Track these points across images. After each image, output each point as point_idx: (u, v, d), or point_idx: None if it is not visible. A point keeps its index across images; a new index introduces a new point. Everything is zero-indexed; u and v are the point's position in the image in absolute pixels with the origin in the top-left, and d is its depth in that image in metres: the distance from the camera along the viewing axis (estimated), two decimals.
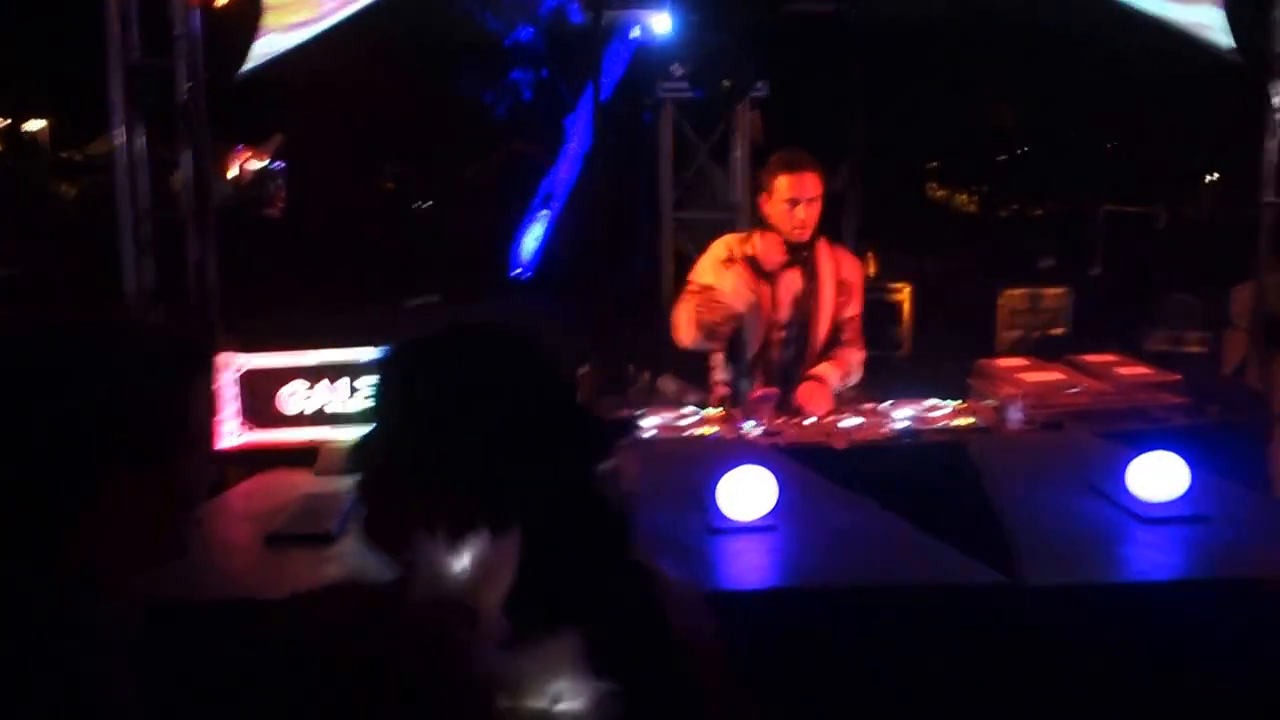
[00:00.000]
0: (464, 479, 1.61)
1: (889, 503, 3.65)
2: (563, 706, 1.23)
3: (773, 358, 5.24)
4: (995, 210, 23.00)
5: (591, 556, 1.62)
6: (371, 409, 1.74)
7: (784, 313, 5.22)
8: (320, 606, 1.41)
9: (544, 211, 15.74)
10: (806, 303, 5.23)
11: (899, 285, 11.44)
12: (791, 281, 5.20)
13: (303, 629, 1.35)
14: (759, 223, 5.24)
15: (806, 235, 5.18)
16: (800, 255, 5.21)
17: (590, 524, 1.65)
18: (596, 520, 1.66)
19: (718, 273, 5.24)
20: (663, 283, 10.02)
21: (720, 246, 5.34)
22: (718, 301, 5.10)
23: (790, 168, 5.13)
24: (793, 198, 5.10)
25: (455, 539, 1.50)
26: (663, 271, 10.03)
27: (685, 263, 10.17)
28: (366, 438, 1.73)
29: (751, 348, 5.23)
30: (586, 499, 1.66)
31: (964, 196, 24.19)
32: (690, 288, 5.31)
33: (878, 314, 10.59)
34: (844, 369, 5.22)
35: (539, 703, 1.23)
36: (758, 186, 5.30)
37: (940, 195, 24.13)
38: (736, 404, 5.14)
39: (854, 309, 5.36)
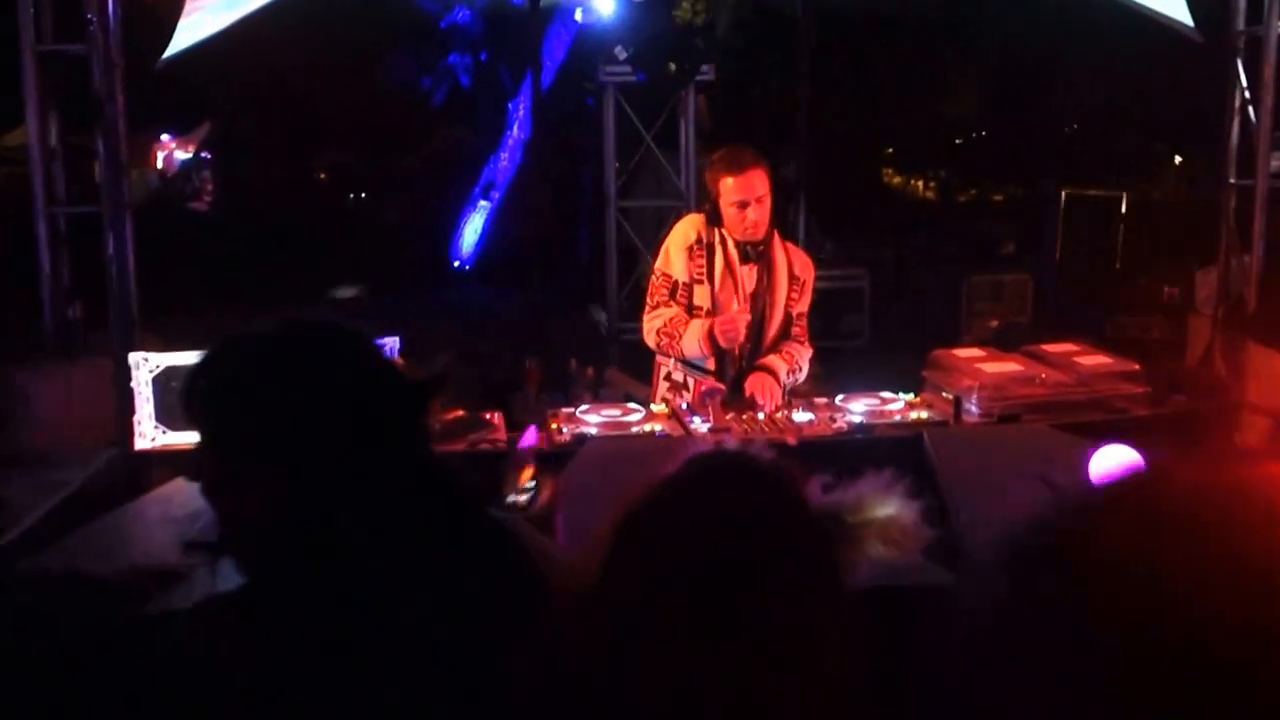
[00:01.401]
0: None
1: None
2: (906, 511, 1.57)
3: (734, 353, 5.21)
4: (954, 196, 23.12)
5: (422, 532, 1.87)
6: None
7: (741, 305, 5.19)
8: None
9: (484, 202, 15.70)
10: (762, 298, 5.21)
11: (858, 272, 11.47)
12: (748, 278, 5.18)
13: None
14: (712, 213, 5.17)
15: (760, 234, 5.13)
16: (756, 252, 5.18)
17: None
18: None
19: (684, 258, 5.17)
20: (608, 273, 10.02)
21: (689, 229, 5.27)
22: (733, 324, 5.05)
23: (733, 168, 5.06)
24: (740, 200, 5.04)
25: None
26: (608, 262, 10.02)
27: (630, 252, 10.20)
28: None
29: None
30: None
31: (921, 182, 24.30)
32: (658, 283, 5.22)
33: (836, 303, 10.62)
34: (791, 363, 5.22)
35: (886, 510, 1.56)
36: (708, 189, 5.23)
37: (897, 182, 24.23)
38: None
39: (804, 304, 5.34)
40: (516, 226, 14.75)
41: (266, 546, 1.83)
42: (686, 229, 5.27)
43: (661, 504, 1.58)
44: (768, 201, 5.09)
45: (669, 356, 5.29)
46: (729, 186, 5.05)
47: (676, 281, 5.17)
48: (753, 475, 1.57)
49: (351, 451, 1.83)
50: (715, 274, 5.14)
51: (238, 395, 1.88)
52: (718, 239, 5.15)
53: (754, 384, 5.09)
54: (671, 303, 5.17)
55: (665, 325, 5.14)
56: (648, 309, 5.25)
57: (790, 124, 11.74)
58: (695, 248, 5.16)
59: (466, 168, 16.00)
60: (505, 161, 15.55)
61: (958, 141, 22.91)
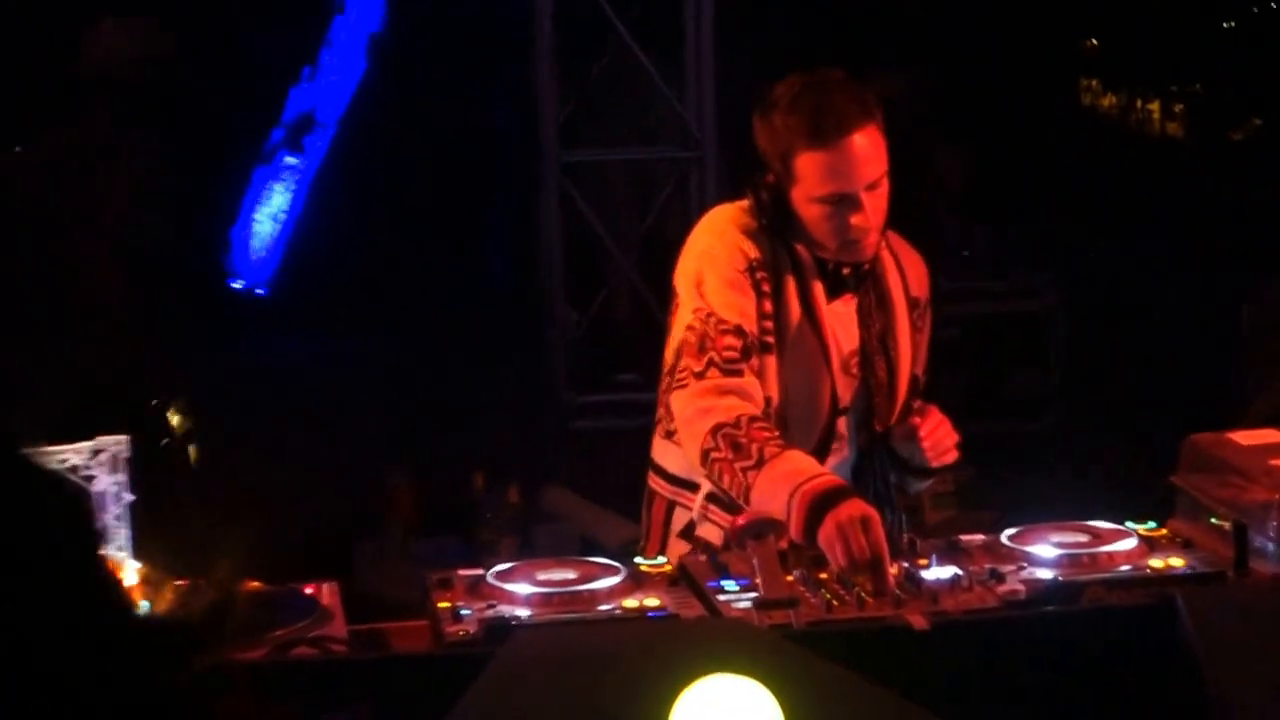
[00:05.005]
0: None
1: None
2: None
3: (828, 458, 5.13)
4: (1219, 133, 23.24)
5: None
6: None
7: (840, 380, 5.12)
8: None
9: (291, 158, 15.73)
10: (878, 353, 5.16)
11: (1037, 284, 11.55)
12: (842, 324, 5.13)
13: None
14: (775, 212, 5.07)
15: (870, 248, 5.11)
16: (858, 275, 5.13)
17: None
18: None
19: (744, 291, 5.02)
20: (548, 294, 10.02)
21: (736, 239, 5.14)
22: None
23: (822, 134, 4.92)
24: (839, 191, 4.94)
25: None
26: (547, 271, 10.01)
27: (586, 248, 10.22)
28: None
29: (805, 441, 5.09)
30: None
31: (1156, 105, 24.47)
32: (711, 330, 5.00)
33: (995, 344, 10.69)
34: None
35: None
36: (764, 159, 5.12)
37: (1107, 105, 24.39)
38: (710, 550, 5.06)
39: (925, 352, 5.34)
40: (361, 208, 14.81)
41: None
42: (731, 239, 5.13)
43: None
44: (885, 186, 5.00)
45: (717, 487, 5.07)
46: (816, 167, 4.95)
47: (748, 334, 5.00)
48: None
49: None
50: (786, 328, 5.08)
51: None
52: (786, 258, 5.06)
53: (932, 425, 5.07)
54: (745, 368, 4.96)
55: (740, 427, 4.82)
56: (684, 375, 5.05)
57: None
58: (760, 273, 5.06)
59: (250, 93, 16.04)
60: (334, 80, 15.61)
61: (1226, 25, 23.02)
